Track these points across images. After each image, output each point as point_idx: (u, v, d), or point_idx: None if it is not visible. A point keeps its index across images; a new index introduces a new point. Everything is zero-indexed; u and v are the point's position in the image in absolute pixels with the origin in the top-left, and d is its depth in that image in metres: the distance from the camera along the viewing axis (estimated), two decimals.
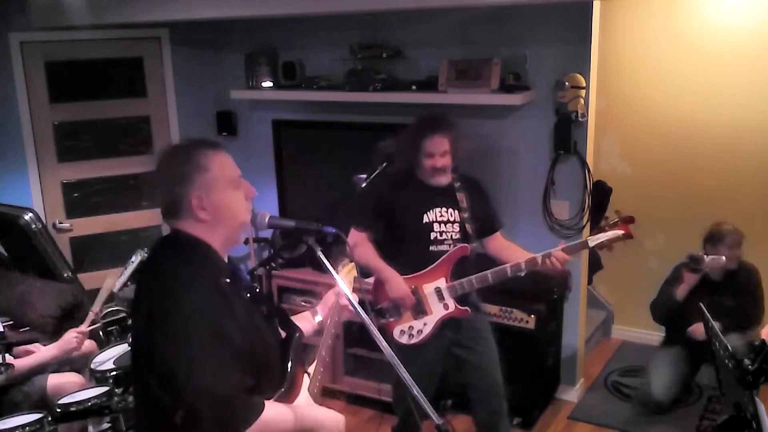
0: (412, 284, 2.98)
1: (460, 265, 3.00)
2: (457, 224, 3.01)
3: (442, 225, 3.00)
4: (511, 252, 3.06)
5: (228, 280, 1.70)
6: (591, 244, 2.92)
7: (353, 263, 2.11)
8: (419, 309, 3.00)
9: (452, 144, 2.97)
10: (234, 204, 1.73)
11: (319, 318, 2.13)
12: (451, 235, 3.00)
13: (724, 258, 3.53)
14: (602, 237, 2.89)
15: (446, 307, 2.99)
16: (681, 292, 3.70)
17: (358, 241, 3.00)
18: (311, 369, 1.98)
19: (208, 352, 1.56)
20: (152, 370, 1.60)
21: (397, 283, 2.96)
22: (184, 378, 1.53)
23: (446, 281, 2.98)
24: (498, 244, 3.14)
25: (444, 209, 3.01)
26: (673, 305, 3.75)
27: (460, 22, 3.88)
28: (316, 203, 4.23)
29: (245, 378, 1.62)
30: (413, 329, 3.01)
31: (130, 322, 2.96)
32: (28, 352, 3.02)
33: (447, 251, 2.98)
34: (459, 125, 3.07)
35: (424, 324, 3.00)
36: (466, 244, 2.99)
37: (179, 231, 1.71)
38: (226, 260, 1.77)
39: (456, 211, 3.01)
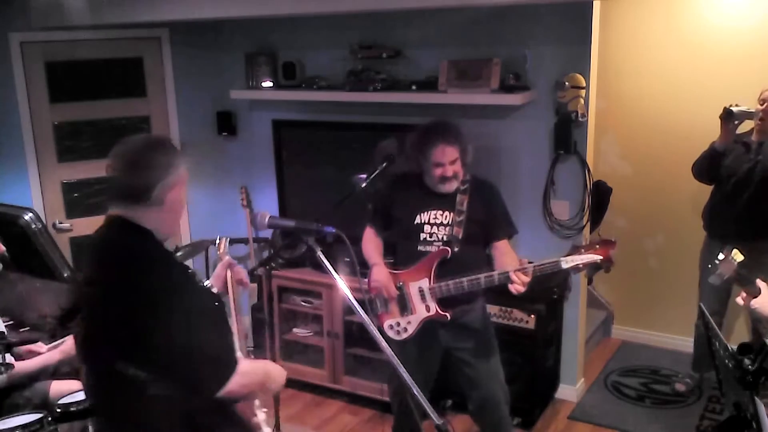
0: (399, 280, 2.99)
1: (449, 267, 2.92)
2: (449, 227, 2.96)
3: (434, 227, 2.98)
4: (502, 261, 2.94)
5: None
6: (564, 266, 2.69)
7: (226, 239, 2.47)
8: (404, 306, 2.99)
9: (462, 152, 2.91)
10: (184, 202, 1.90)
11: (214, 290, 2.35)
12: (441, 237, 2.96)
13: (753, 109, 3.51)
14: (577, 260, 2.69)
15: (427, 308, 2.96)
16: (720, 140, 3.62)
17: (367, 235, 3.14)
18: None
19: (193, 317, 1.72)
20: (125, 348, 1.70)
21: (377, 273, 2.99)
22: (174, 346, 1.69)
23: (429, 282, 2.94)
24: (497, 251, 3.01)
25: (439, 212, 2.98)
26: (713, 153, 3.65)
27: (460, 22, 3.88)
28: (316, 203, 4.23)
29: (222, 335, 1.83)
30: (400, 326, 3.00)
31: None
32: (31, 352, 3.02)
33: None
34: (466, 130, 3.01)
35: (409, 322, 2.99)
36: (446, 247, 2.93)
37: (126, 220, 1.79)
38: None
39: (451, 214, 2.97)
